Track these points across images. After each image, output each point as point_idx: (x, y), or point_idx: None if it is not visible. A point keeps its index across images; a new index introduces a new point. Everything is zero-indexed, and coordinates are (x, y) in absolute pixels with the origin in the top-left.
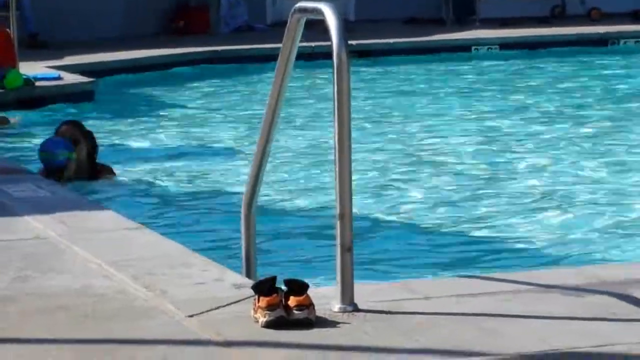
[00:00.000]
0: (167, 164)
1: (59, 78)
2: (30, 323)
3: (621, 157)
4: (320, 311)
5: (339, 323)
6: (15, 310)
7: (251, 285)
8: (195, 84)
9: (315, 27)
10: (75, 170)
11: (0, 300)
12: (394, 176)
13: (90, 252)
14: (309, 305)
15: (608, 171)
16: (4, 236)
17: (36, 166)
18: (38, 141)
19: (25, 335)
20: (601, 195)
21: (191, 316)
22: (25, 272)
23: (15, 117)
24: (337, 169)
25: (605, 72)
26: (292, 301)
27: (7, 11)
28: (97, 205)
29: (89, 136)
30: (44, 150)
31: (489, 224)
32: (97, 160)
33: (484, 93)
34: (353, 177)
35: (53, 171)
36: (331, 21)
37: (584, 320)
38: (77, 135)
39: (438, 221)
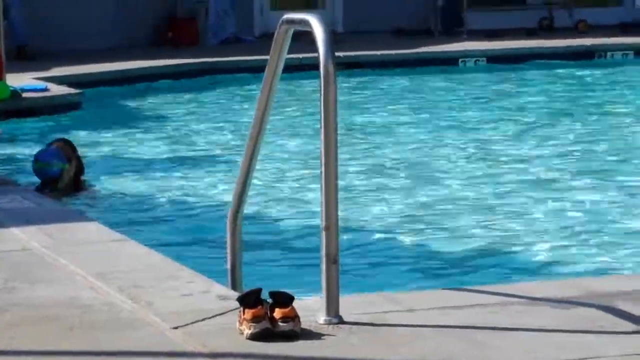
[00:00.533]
0: (154, 176)
1: (45, 89)
2: (17, 334)
3: (608, 169)
4: (305, 323)
5: (324, 335)
6: (2, 321)
7: (236, 297)
8: (182, 96)
9: (303, 38)
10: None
11: None
12: (380, 187)
13: (77, 264)
14: (294, 317)
15: (594, 184)
16: None
17: (23, 177)
18: (25, 153)
19: (13, 345)
20: (587, 207)
21: (176, 328)
22: (12, 283)
23: None
24: (323, 181)
25: (592, 84)
26: (278, 313)
27: None
28: (83, 217)
29: (78, 157)
30: (39, 160)
31: (475, 236)
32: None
33: (472, 105)
34: (339, 189)
35: (47, 182)
36: (318, 32)
37: (570, 333)
38: (69, 153)
39: (423, 233)
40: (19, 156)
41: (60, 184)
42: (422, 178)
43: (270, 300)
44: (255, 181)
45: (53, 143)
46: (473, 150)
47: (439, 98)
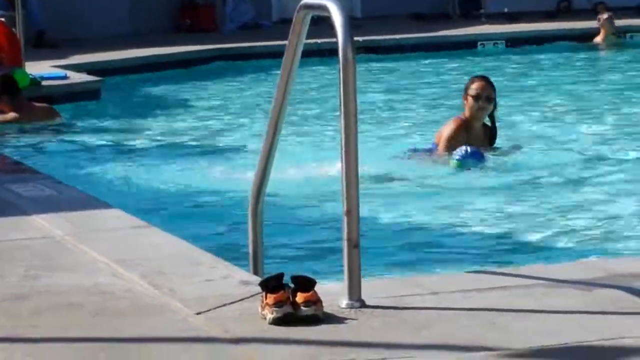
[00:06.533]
0: (174, 162)
1: (65, 77)
2: (40, 321)
3: (631, 150)
4: (327, 307)
5: (346, 319)
6: (26, 309)
7: (258, 282)
8: (201, 82)
9: (322, 23)
10: None
11: (11, 299)
12: (401, 171)
13: (98, 251)
14: (316, 301)
15: (616, 165)
16: (13, 235)
17: (44, 166)
18: (44, 141)
19: (36, 333)
20: (610, 189)
21: (199, 313)
22: (35, 270)
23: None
24: (343, 165)
25: (611, 66)
26: (300, 297)
27: (14, 10)
28: (104, 203)
29: None
30: None
31: (496, 218)
32: None
33: None
34: (359, 173)
35: None
36: (336, 18)
37: (593, 314)
38: None
39: (444, 217)
40: (38, 144)
41: None
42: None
43: (292, 285)
44: (275, 166)
45: None
46: None
47: (457, 82)
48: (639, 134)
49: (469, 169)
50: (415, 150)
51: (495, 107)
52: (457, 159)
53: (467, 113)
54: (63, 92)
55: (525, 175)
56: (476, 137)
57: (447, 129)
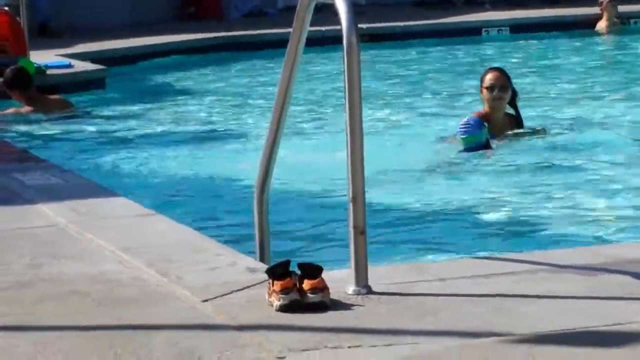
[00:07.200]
0: (179, 150)
1: (69, 66)
2: (45, 309)
3: (637, 136)
4: (334, 294)
5: (353, 305)
6: (30, 297)
7: (265, 269)
8: (206, 70)
9: (326, 11)
10: None
11: (16, 287)
12: (406, 157)
13: (104, 239)
14: (323, 288)
15: (621, 150)
16: (17, 224)
17: (47, 154)
18: (49, 130)
19: (41, 321)
20: (614, 174)
21: (206, 301)
22: (40, 259)
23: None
24: (349, 152)
25: (615, 52)
26: (307, 284)
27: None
28: (109, 191)
29: None
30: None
31: (503, 204)
32: None
33: None
34: (365, 159)
35: None
36: (340, 4)
37: (599, 300)
38: None
39: (451, 202)
40: (44, 133)
41: None
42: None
43: (299, 272)
44: (280, 153)
45: None
46: None
47: (462, 69)
48: None
49: (479, 152)
50: (442, 138)
51: (515, 94)
52: (461, 136)
53: (485, 106)
54: (68, 82)
55: (530, 162)
56: (500, 128)
57: None
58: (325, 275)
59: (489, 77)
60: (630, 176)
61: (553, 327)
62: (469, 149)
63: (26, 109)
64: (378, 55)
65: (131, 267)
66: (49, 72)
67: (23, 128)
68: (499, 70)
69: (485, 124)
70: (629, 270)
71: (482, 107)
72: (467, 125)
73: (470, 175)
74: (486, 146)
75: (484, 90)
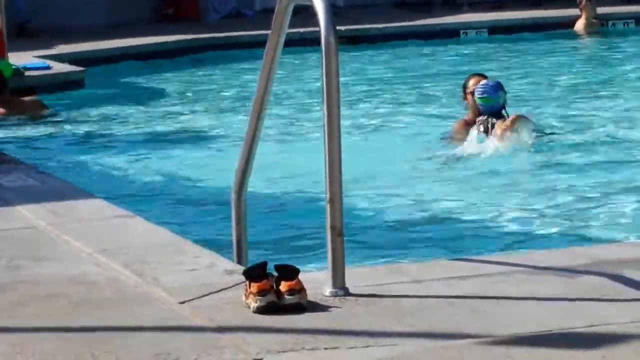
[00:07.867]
0: (157, 152)
1: (48, 68)
2: (23, 311)
3: (614, 135)
4: (311, 296)
5: (330, 307)
6: (8, 298)
7: (242, 271)
8: (184, 71)
9: (304, 12)
10: None
11: None
12: (384, 159)
13: (82, 241)
14: (300, 290)
15: (599, 151)
16: None
17: (24, 156)
18: (27, 132)
19: (19, 323)
20: (591, 175)
21: (183, 302)
22: (18, 260)
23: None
24: (326, 154)
25: (595, 54)
26: (284, 286)
27: None
28: (87, 193)
29: None
30: None
31: (479, 206)
32: None
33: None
34: (342, 161)
35: None
36: (319, 5)
37: (577, 301)
38: None
39: (428, 204)
40: (22, 135)
41: None
42: (427, 148)
43: (275, 274)
44: (258, 155)
45: None
46: None
47: (440, 71)
48: (625, 121)
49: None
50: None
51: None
52: (478, 96)
53: (470, 112)
54: (46, 83)
55: (508, 163)
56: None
57: (451, 131)
58: (302, 276)
59: (473, 82)
60: (607, 176)
61: (531, 329)
62: (484, 111)
63: (0, 111)
64: (354, 57)
65: (109, 269)
66: (27, 73)
67: None
68: (482, 75)
69: (505, 90)
70: (606, 271)
71: (465, 114)
72: (485, 86)
73: (448, 178)
74: (499, 114)
75: (469, 96)
